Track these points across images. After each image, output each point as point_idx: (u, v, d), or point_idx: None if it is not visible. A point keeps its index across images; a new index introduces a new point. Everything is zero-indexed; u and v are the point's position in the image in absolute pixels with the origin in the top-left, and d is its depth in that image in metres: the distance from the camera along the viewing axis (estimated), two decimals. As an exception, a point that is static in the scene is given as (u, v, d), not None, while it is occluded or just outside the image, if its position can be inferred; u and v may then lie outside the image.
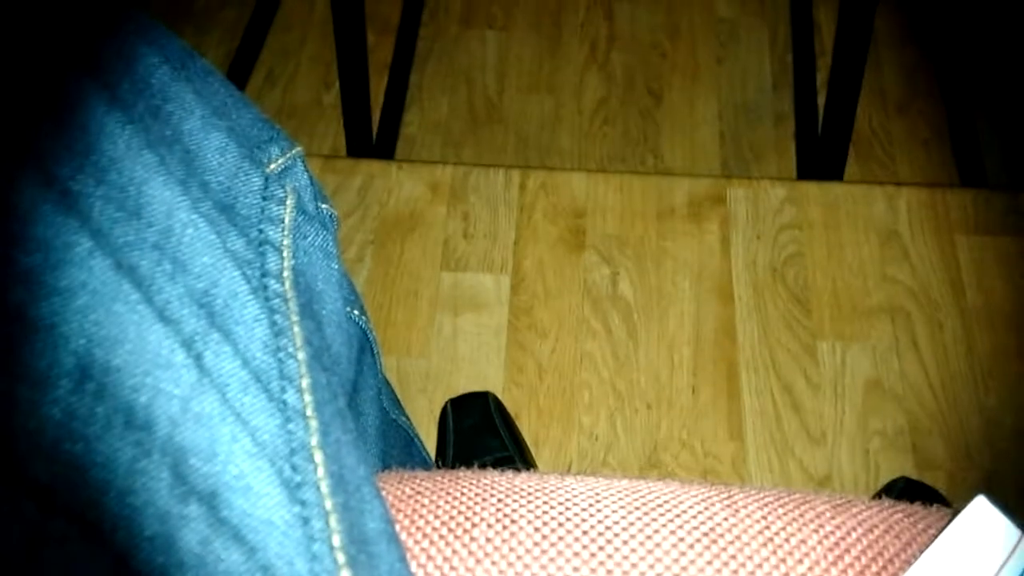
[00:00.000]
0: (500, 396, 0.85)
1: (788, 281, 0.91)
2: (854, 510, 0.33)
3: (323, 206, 0.37)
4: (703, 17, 1.18)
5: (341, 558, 0.24)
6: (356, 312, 0.42)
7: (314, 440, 0.25)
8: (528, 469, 0.81)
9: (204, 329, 0.24)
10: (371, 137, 1.06)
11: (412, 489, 0.35)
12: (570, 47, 1.16)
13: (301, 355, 0.27)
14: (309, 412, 0.26)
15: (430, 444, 0.84)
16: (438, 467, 0.81)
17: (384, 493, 0.35)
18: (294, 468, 0.24)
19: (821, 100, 1.06)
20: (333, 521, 0.24)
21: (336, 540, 0.24)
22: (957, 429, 0.81)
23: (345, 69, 1.02)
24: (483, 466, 0.81)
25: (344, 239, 0.95)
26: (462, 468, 0.38)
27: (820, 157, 1.00)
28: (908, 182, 0.99)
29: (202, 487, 0.22)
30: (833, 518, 0.32)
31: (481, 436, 0.82)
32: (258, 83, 1.12)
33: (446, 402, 0.84)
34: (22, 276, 0.21)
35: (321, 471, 0.25)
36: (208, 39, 1.15)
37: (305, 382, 0.26)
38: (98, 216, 0.24)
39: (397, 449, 0.48)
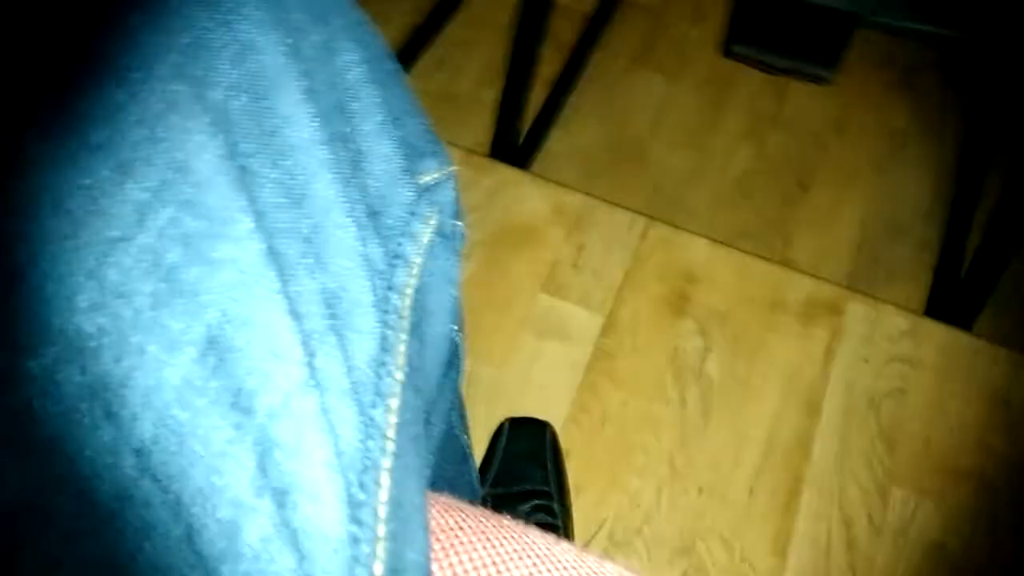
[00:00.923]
0: (559, 431, 0.84)
1: (881, 415, 0.87)
2: None
3: (458, 223, 0.37)
4: (876, 121, 1.14)
5: (376, 587, 0.24)
6: (455, 327, 0.42)
7: (386, 462, 0.25)
8: (564, 511, 0.80)
9: (323, 330, 0.25)
10: (515, 143, 1.07)
11: (455, 521, 0.35)
12: (732, 113, 1.14)
13: (399, 375, 0.27)
14: (390, 433, 0.26)
15: (479, 451, 0.84)
16: (481, 480, 0.81)
17: (428, 518, 0.35)
18: (362, 486, 0.24)
19: (972, 242, 1.00)
20: (380, 548, 0.24)
21: (378, 568, 0.24)
22: (1013, 626, 0.76)
23: (513, 73, 1.04)
24: (521, 494, 0.81)
25: (459, 234, 0.97)
26: (507, 514, 0.37)
27: (954, 300, 0.95)
28: (1040, 355, 0.92)
29: (278, 483, 0.22)
30: None
31: (528, 463, 0.82)
32: (427, 64, 1.15)
33: (505, 419, 0.84)
34: (183, 239, 0.22)
35: (384, 495, 0.25)
36: (393, 10, 1.19)
37: (395, 402, 0.27)
38: (265, 198, 0.24)
39: (452, 465, 0.49)
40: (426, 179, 0.33)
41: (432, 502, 0.36)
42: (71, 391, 0.21)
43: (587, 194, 1.02)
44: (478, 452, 0.85)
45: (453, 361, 0.43)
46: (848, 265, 1.02)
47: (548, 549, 0.35)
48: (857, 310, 0.93)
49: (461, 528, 0.35)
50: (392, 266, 0.29)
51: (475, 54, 1.17)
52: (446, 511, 0.36)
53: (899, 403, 0.87)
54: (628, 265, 0.96)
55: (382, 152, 0.30)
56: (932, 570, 0.79)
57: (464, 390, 0.88)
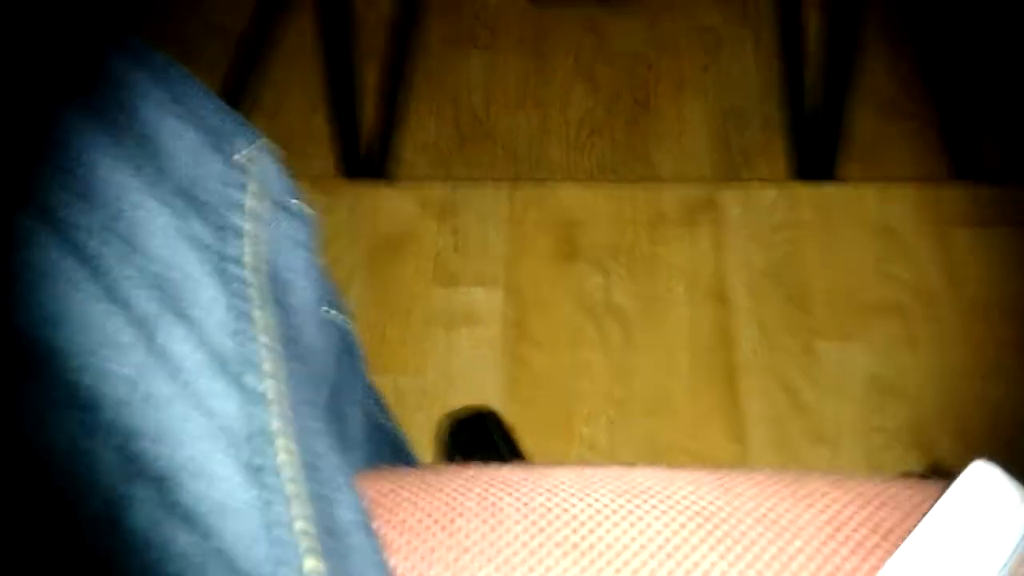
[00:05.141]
0: (498, 410, 0.84)
1: (784, 281, 0.90)
2: (849, 484, 0.32)
3: (294, 201, 0.36)
4: (687, 27, 1.19)
5: (305, 544, 0.23)
6: (335, 312, 0.41)
7: (276, 424, 0.25)
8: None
9: (156, 310, 0.24)
10: (360, 158, 1.06)
11: (392, 484, 0.34)
12: (555, 61, 1.16)
13: (263, 339, 0.26)
14: (271, 396, 0.25)
15: (429, 460, 0.83)
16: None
17: (364, 490, 0.34)
18: (254, 451, 0.23)
19: (810, 103, 1.05)
20: (296, 507, 0.24)
21: (299, 526, 0.23)
22: (960, 423, 0.80)
23: (334, 93, 1.03)
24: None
25: (334, 260, 0.95)
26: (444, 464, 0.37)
27: (811, 158, 1.00)
28: (900, 178, 0.98)
29: (151, 469, 0.21)
30: (828, 493, 0.31)
31: (480, 452, 0.81)
32: (247, 111, 1.12)
33: (443, 419, 0.83)
34: None
35: (284, 456, 0.24)
36: (193, 71, 1.16)
37: (268, 366, 0.26)
38: (44, 195, 0.23)
39: (385, 455, 0.47)
40: (238, 158, 0.32)
41: (363, 477, 0.35)
42: None
43: (446, 180, 1.02)
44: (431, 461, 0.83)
45: (345, 346, 0.42)
46: (708, 163, 1.05)
47: (494, 474, 0.34)
48: (729, 197, 0.96)
49: (400, 488, 0.34)
50: (221, 238, 0.28)
51: (293, 88, 1.15)
52: (379, 480, 0.35)
53: (795, 265, 0.91)
54: (508, 232, 0.97)
55: (170, 131, 0.29)
56: (877, 404, 0.82)
57: (393, 405, 0.87)
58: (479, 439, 0.82)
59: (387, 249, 0.96)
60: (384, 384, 0.88)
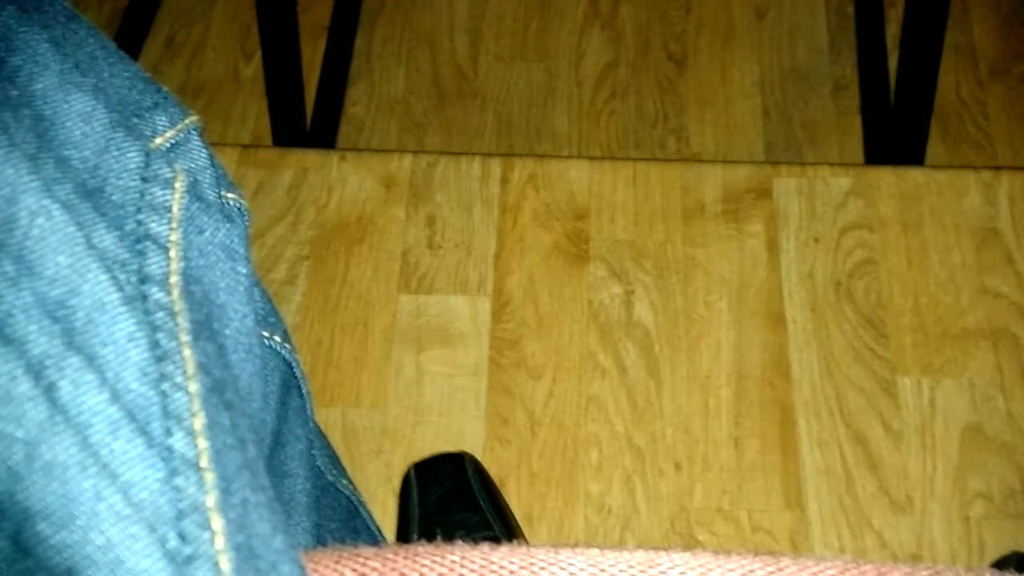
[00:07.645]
0: (480, 457, 0.84)
1: (857, 298, 0.91)
2: (944, 583, 0.32)
3: (228, 196, 0.37)
4: (737, -41, 1.20)
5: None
6: (277, 339, 0.41)
7: (211, 500, 0.25)
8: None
9: (59, 351, 0.24)
10: (304, 120, 1.06)
11: (354, 571, 0.35)
12: (565, 0, 1.17)
13: (193, 387, 0.27)
14: (204, 463, 0.26)
15: (388, 521, 0.83)
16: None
17: (311, 570, 0.34)
18: (183, 537, 0.24)
19: (893, 63, 1.07)
20: None
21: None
22: (1084, 487, 0.81)
23: (268, 32, 1.03)
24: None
25: (270, 254, 0.95)
26: (423, 543, 0.37)
27: (894, 135, 1.01)
28: (1010, 165, 0.99)
29: (54, 561, 0.22)
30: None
31: (455, 510, 0.82)
32: (154, 54, 1.13)
33: (409, 467, 0.84)
34: None
35: (221, 541, 0.25)
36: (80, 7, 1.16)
37: (199, 423, 0.26)
38: None
39: (336, 522, 0.48)
40: (159, 141, 0.33)
41: (315, 559, 0.36)
42: None
43: (418, 152, 1.02)
44: (387, 521, 0.84)
45: (290, 384, 0.42)
46: (760, 138, 1.06)
47: (485, 560, 0.35)
48: (787, 186, 0.97)
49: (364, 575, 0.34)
50: (139, 252, 0.28)
51: (214, 22, 1.15)
52: (337, 563, 0.35)
53: (872, 277, 0.92)
54: (498, 223, 0.97)
55: (74, 111, 0.29)
56: (977, 460, 0.83)
57: (342, 447, 0.87)
58: (454, 496, 0.83)
59: (339, 242, 0.96)
60: (332, 420, 0.89)
